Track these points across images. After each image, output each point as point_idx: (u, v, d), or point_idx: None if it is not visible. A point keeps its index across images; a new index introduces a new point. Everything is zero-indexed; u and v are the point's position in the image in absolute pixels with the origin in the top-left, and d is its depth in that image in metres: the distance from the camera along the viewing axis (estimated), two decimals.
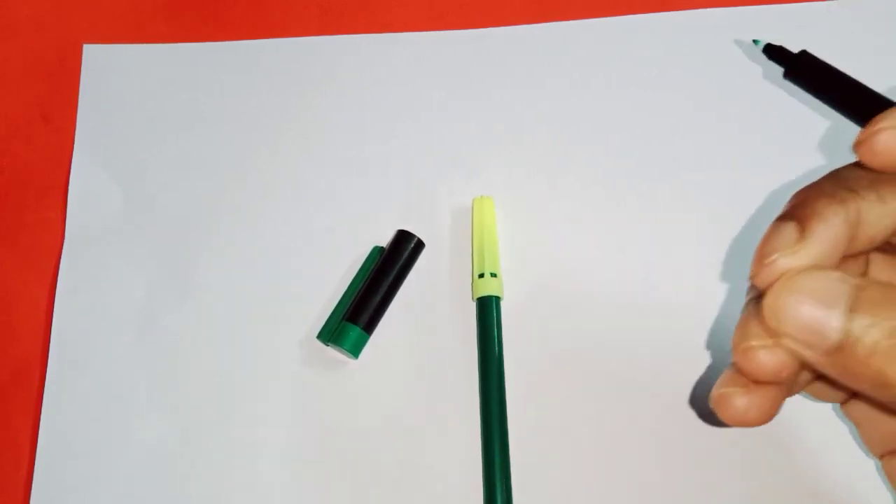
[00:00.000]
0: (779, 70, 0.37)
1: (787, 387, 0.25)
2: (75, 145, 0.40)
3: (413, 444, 0.34)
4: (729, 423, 0.24)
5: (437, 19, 0.42)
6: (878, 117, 0.23)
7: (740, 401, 0.24)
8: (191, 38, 0.42)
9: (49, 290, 0.37)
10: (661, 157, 0.38)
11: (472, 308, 0.35)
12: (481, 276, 0.35)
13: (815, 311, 0.22)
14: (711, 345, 0.34)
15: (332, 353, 0.35)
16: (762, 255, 0.23)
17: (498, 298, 0.35)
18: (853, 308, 0.21)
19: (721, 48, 0.40)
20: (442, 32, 0.41)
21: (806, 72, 0.29)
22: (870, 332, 0.21)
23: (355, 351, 0.34)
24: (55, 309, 0.37)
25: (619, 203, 0.37)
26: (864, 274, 0.26)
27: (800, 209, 0.23)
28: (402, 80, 0.40)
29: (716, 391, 0.25)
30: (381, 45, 0.41)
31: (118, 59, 0.41)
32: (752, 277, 0.24)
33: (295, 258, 0.37)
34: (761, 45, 0.30)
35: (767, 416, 0.24)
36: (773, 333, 0.23)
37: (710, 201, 0.37)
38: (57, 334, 0.36)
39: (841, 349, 0.21)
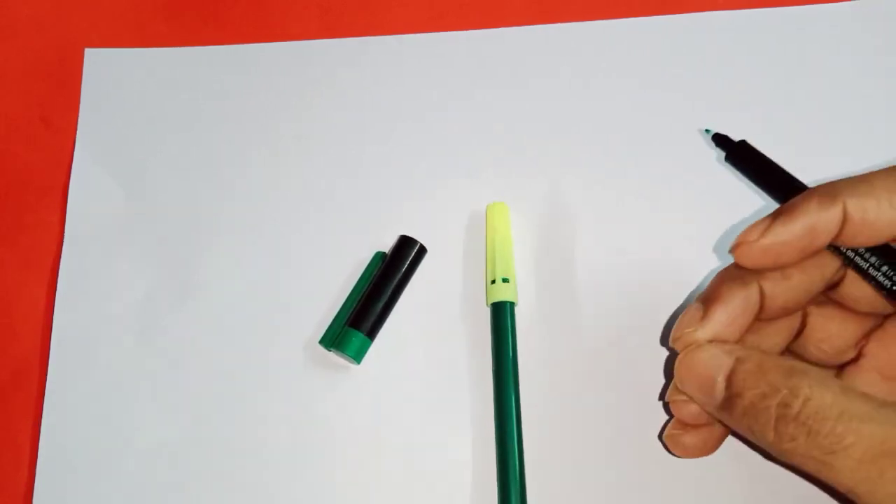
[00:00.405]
0: (780, 70, 0.38)
1: (722, 427, 0.30)
2: (76, 148, 0.40)
3: (416, 450, 0.34)
4: (679, 455, 0.31)
5: (437, 20, 0.42)
6: (744, 231, 0.28)
7: (683, 440, 0.30)
8: (191, 40, 0.42)
9: (48, 290, 0.37)
10: (669, 158, 0.38)
11: (484, 313, 0.36)
12: (502, 280, 0.35)
13: (703, 379, 0.28)
14: None
15: (334, 358, 0.35)
16: (675, 328, 0.29)
17: (512, 304, 0.35)
18: (731, 377, 0.27)
19: (724, 51, 0.40)
20: (445, 34, 0.41)
21: (742, 158, 0.33)
22: (742, 397, 0.26)
23: (358, 357, 0.34)
24: (55, 310, 0.37)
25: (630, 206, 0.37)
26: (804, 325, 0.31)
27: (709, 292, 0.29)
28: (405, 83, 0.40)
29: (666, 432, 0.31)
30: (384, 48, 0.41)
31: (119, 63, 0.41)
32: (669, 345, 0.30)
33: (297, 263, 0.37)
34: (711, 134, 0.34)
35: (705, 450, 0.31)
36: (682, 392, 0.29)
37: (724, 205, 0.37)
38: (57, 336, 0.36)
39: (724, 408, 0.27)
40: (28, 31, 0.43)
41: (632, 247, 0.37)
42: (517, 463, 0.32)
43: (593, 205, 0.37)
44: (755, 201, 0.37)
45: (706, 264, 0.36)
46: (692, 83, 0.39)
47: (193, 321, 0.36)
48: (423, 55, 0.41)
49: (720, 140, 0.34)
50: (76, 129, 0.40)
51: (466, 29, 0.41)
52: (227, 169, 0.39)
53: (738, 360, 0.27)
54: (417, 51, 0.41)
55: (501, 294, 0.35)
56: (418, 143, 0.39)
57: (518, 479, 0.32)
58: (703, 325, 0.28)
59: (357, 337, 0.34)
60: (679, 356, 0.29)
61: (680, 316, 0.29)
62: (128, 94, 0.41)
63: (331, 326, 0.35)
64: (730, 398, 0.27)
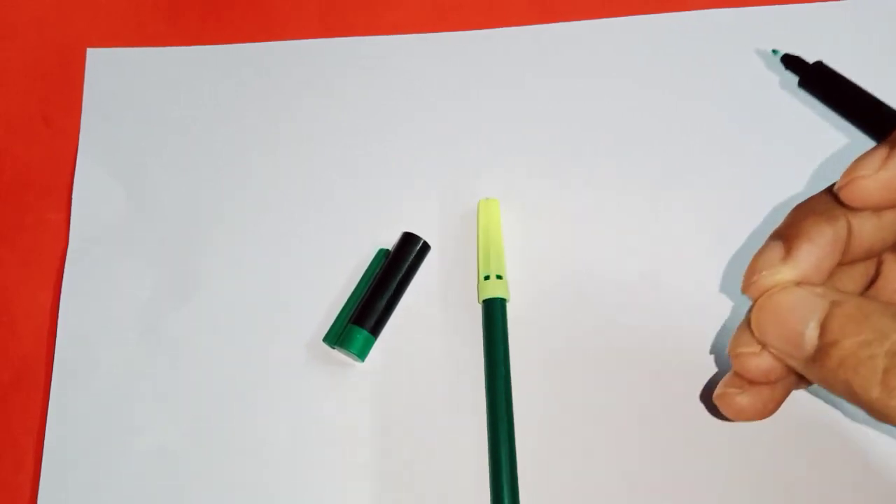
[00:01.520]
0: (794, 79, 0.38)
1: (784, 386, 0.27)
2: (79, 148, 0.40)
3: (420, 446, 0.34)
4: (732, 418, 0.28)
5: (437, 20, 0.42)
6: (856, 163, 0.24)
7: (738, 399, 0.27)
8: (191, 39, 0.42)
9: (50, 291, 0.37)
10: (670, 159, 0.38)
11: (480, 310, 0.36)
12: (486, 278, 0.35)
13: (791, 326, 0.24)
14: (716, 348, 0.34)
15: (338, 355, 0.35)
16: (751, 270, 0.26)
17: (504, 300, 0.35)
18: (826, 323, 0.23)
19: (731, 50, 0.40)
20: (444, 34, 0.41)
21: (820, 82, 0.30)
22: (840, 345, 0.23)
23: (362, 354, 0.34)
24: (60, 311, 0.37)
25: (627, 205, 0.37)
26: (877, 274, 0.27)
27: (789, 228, 0.25)
28: (406, 82, 0.40)
29: (718, 390, 0.28)
30: (384, 47, 0.41)
31: (121, 63, 0.41)
32: (743, 290, 0.26)
33: (300, 261, 0.37)
34: (780, 55, 0.31)
35: (764, 412, 0.27)
36: (760, 342, 0.25)
37: (719, 204, 0.37)
38: (62, 337, 0.36)
39: (815, 359, 0.23)
40: (29, 31, 0.43)
41: (627, 243, 0.37)
42: (508, 460, 0.32)
43: (597, 204, 0.37)
44: (750, 199, 0.37)
45: (703, 262, 0.36)
46: (692, 82, 0.40)
47: (197, 321, 0.36)
48: (422, 55, 0.41)
49: (791, 62, 0.31)
50: (78, 129, 0.40)
51: (466, 29, 0.41)
52: (229, 168, 0.39)
53: (835, 304, 0.23)
54: (417, 51, 0.41)
55: (492, 291, 0.35)
56: (418, 142, 0.39)
57: (509, 475, 0.32)
58: (787, 264, 0.25)
59: (361, 334, 0.34)
60: (758, 302, 0.25)
61: (754, 256, 0.26)
62: (130, 94, 0.41)
63: (334, 324, 0.35)
64: (823, 347, 0.23)
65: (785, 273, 0.25)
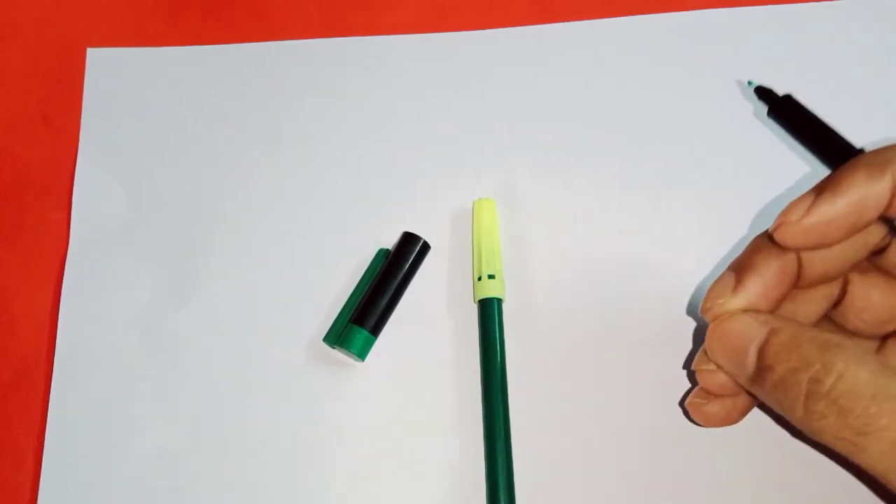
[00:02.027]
0: (780, 67, 0.38)
1: (746, 398, 0.30)
2: (79, 149, 0.40)
3: (418, 445, 0.34)
4: (701, 424, 0.31)
5: (437, 20, 0.42)
6: (787, 208, 0.27)
7: (706, 408, 0.30)
8: (191, 39, 0.42)
9: (50, 291, 0.37)
10: (671, 159, 0.38)
11: (476, 310, 0.36)
12: (483, 277, 0.35)
13: (736, 349, 0.27)
14: None
15: (338, 355, 0.35)
16: (707, 298, 0.28)
17: (499, 300, 0.35)
18: (763, 349, 0.26)
19: (730, 50, 0.40)
20: (445, 34, 0.41)
21: (787, 114, 0.32)
22: (773, 370, 0.25)
23: (362, 354, 0.34)
24: (60, 312, 0.37)
25: (623, 205, 0.37)
26: (844, 293, 0.30)
27: (742, 260, 0.28)
28: (406, 82, 0.40)
29: (689, 400, 0.31)
30: (384, 47, 0.41)
31: (121, 63, 0.41)
32: (700, 314, 0.29)
33: (300, 261, 0.37)
34: (753, 86, 0.33)
35: (728, 420, 0.30)
36: (713, 362, 0.28)
37: (721, 204, 0.37)
38: (62, 337, 0.36)
39: (755, 380, 0.26)
40: (29, 31, 0.43)
41: (628, 243, 0.37)
42: (504, 460, 0.32)
43: (594, 204, 0.37)
44: (753, 199, 0.37)
45: (705, 262, 0.36)
46: (692, 81, 0.40)
47: (198, 321, 0.36)
48: (423, 55, 0.41)
49: (763, 93, 0.32)
50: (78, 129, 0.40)
51: (467, 29, 0.41)
52: (230, 168, 0.39)
53: (772, 332, 0.26)
54: (417, 51, 0.41)
55: (488, 291, 0.35)
56: (419, 142, 0.39)
57: (505, 474, 0.32)
58: (736, 294, 0.27)
59: (361, 334, 0.34)
60: (710, 325, 0.28)
61: (711, 285, 0.29)
62: (130, 94, 0.41)
63: (334, 324, 0.35)
64: (761, 371, 0.26)
65: (734, 302, 0.27)
